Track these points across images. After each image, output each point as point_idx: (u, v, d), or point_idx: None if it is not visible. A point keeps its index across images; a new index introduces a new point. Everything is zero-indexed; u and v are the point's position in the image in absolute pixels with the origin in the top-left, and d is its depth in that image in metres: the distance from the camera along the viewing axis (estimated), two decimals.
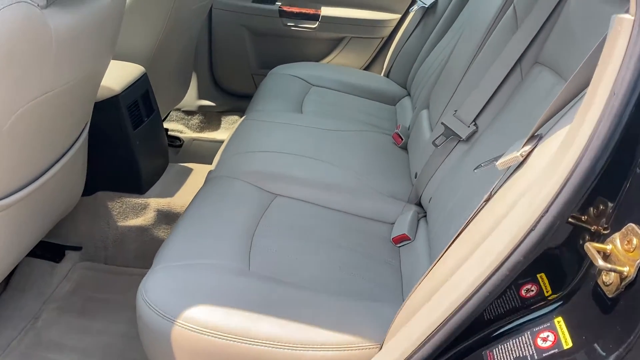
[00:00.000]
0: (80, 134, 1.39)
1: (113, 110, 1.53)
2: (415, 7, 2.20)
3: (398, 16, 2.40)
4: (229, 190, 1.38)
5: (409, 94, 2.24)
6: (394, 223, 1.41)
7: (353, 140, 1.71)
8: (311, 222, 1.33)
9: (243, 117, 1.86)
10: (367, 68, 2.52)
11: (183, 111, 2.64)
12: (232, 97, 2.66)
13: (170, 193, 1.72)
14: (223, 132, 2.66)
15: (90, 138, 1.46)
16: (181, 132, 2.64)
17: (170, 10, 1.70)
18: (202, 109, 2.64)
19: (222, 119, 2.68)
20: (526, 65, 1.21)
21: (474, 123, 1.29)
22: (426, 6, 2.15)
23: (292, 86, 2.11)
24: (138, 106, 1.63)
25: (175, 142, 2.52)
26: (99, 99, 1.50)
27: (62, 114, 1.17)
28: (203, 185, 1.45)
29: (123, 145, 1.58)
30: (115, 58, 1.70)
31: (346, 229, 1.33)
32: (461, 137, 1.29)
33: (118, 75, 1.58)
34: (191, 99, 2.62)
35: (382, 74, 2.42)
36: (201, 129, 2.65)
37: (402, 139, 1.75)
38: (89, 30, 1.08)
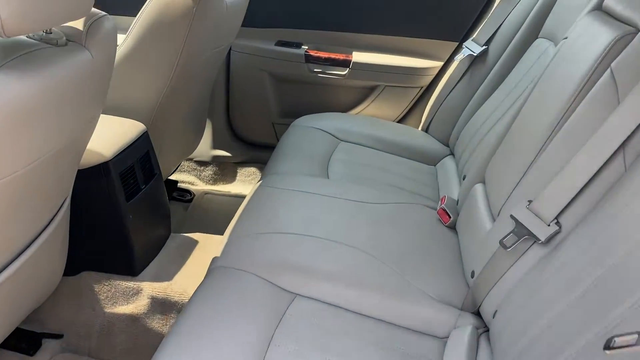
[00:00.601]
0: (60, 208, 1.13)
1: (101, 179, 1.27)
2: (461, 56, 1.93)
3: (440, 64, 2.12)
4: (236, 288, 1.10)
5: (451, 153, 1.94)
6: (445, 338, 1.10)
7: (390, 217, 1.42)
8: (338, 337, 1.03)
9: (259, 182, 1.58)
10: (402, 120, 2.24)
11: (195, 161, 2.39)
12: (250, 147, 2.40)
13: (169, 275, 1.43)
14: (238, 185, 2.39)
15: (74, 210, 1.20)
16: (192, 184, 2.37)
17: (177, 58, 1.45)
18: (216, 160, 2.38)
19: (237, 170, 2.42)
20: (631, 153, 0.91)
21: (556, 221, 0.99)
22: (474, 54, 1.87)
23: (318, 142, 1.83)
24: (134, 172, 1.36)
25: (185, 196, 2.26)
26: (84, 165, 1.24)
27: (37, 192, 0.91)
28: (206, 276, 1.17)
29: (113, 221, 1.31)
30: (112, 112, 1.45)
31: (385, 348, 1.03)
32: (539, 240, 0.99)
33: (111, 136, 1.33)
34: (205, 148, 2.36)
35: (419, 128, 2.13)
36: (215, 181, 2.39)
37: (449, 217, 1.45)
38: (62, 94, 0.83)
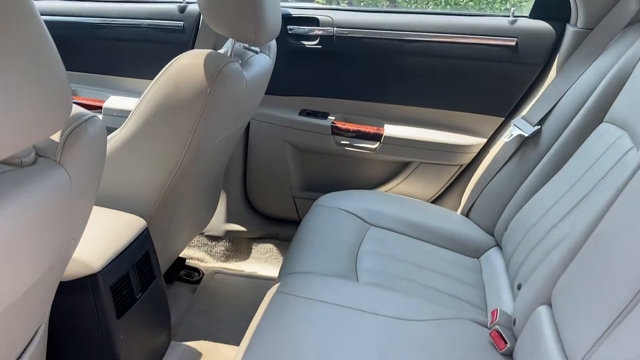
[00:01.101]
0: (35, 333, 0.91)
1: (87, 294, 1.05)
2: (509, 135, 1.70)
3: (483, 141, 1.90)
4: None
5: (497, 244, 1.70)
6: None
7: (433, 342, 1.16)
8: None
9: (277, 284, 1.34)
10: (437, 201, 2.01)
11: (207, 236, 2.17)
12: (268, 221, 2.18)
13: None
14: (252, 263, 2.16)
15: (53, 329, 0.98)
16: (202, 260, 2.15)
17: (188, 143, 1.25)
18: (229, 235, 2.16)
19: (253, 246, 2.19)
20: None
21: None
22: (526, 135, 1.64)
23: (345, 228, 1.60)
24: (129, 281, 1.14)
25: (193, 275, 2.03)
26: (67, 277, 1.02)
27: (11, 325, 0.69)
28: None
29: (99, 343, 1.08)
30: (108, 203, 1.24)
31: None
32: None
33: (102, 239, 1.11)
34: (217, 222, 2.15)
35: (458, 212, 1.89)
36: (227, 257, 2.16)
37: (506, 343, 1.19)
38: (31, 228, 0.61)
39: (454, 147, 1.89)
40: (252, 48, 1.54)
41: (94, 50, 2.12)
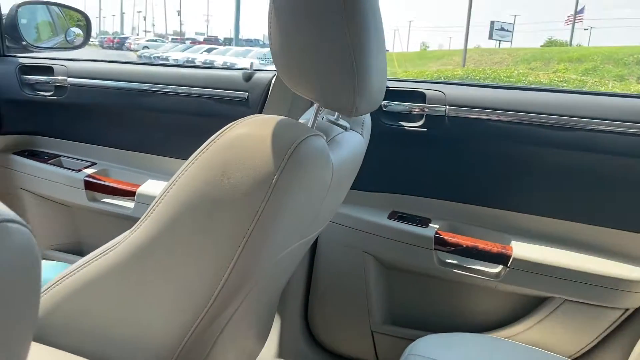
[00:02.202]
0: None
1: None
2: None
3: None
4: None
5: None
6: None
7: None
8: None
9: None
10: (587, 358, 1.37)
11: None
12: (334, 358, 1.60)
13: None
14: None
15: None
16: None
17: (232, 264, 0.74)
18: None
19: None
20: None
21: None
22: None
23: None
24: None
25: None
26: None
27: None
28: None
29: None
30: (111, 352, 0.73)
31: None
32: None
33: None
34: (268, 355, 1.59)
35: None
36: None
37: None
38: None
39: (617, 281, 1.29)
40: (341, 122, 1.05)
41: (134, 122, 1.72)
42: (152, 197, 1.59)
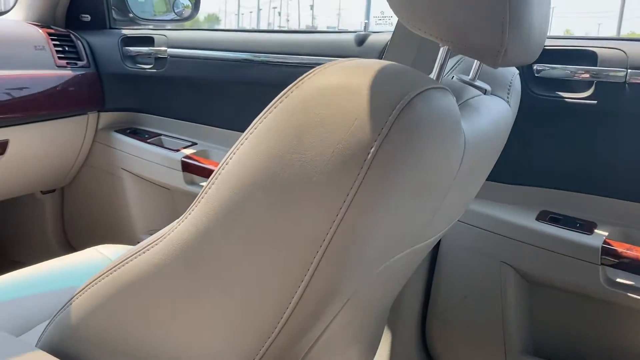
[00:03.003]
0: None
1: None
2: None
3: None
4: None
5: None
6: None
7: None
8: None
9: None
10: None
11: None
12: None
13: None
14: None
15: None
16: None
17: (312, 269, 0.49)
18: None
19: None
20: None
21: None
22: None
23: None
24: None
25: None
26: None
27: None
28: None
29: None
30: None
31: None
32: None
33: None
34: None
35: None
36: None
37: None
38: None
39: None
40: (479, 83, 0.75)
41: (236, 97, 1.54)
42: None
